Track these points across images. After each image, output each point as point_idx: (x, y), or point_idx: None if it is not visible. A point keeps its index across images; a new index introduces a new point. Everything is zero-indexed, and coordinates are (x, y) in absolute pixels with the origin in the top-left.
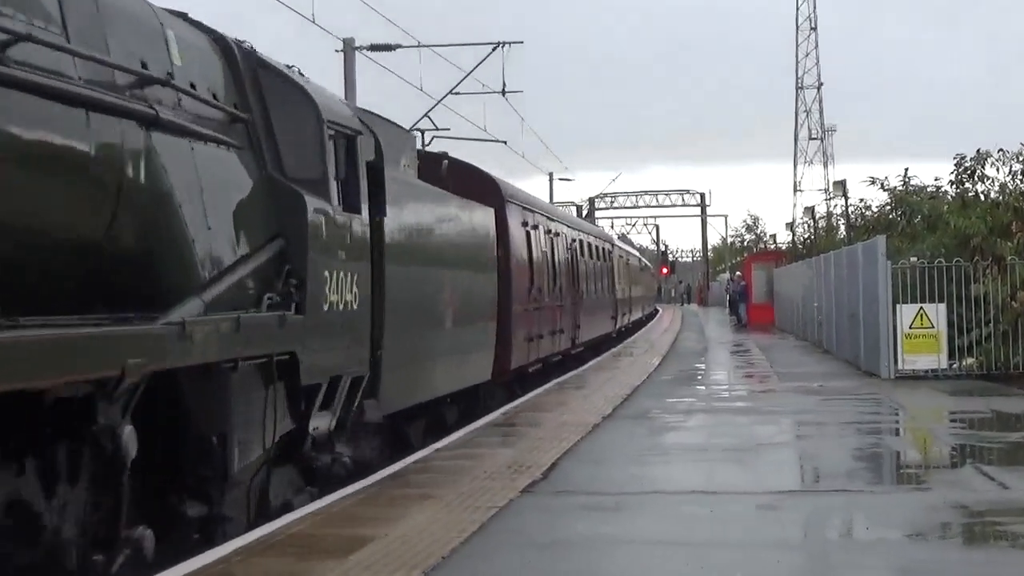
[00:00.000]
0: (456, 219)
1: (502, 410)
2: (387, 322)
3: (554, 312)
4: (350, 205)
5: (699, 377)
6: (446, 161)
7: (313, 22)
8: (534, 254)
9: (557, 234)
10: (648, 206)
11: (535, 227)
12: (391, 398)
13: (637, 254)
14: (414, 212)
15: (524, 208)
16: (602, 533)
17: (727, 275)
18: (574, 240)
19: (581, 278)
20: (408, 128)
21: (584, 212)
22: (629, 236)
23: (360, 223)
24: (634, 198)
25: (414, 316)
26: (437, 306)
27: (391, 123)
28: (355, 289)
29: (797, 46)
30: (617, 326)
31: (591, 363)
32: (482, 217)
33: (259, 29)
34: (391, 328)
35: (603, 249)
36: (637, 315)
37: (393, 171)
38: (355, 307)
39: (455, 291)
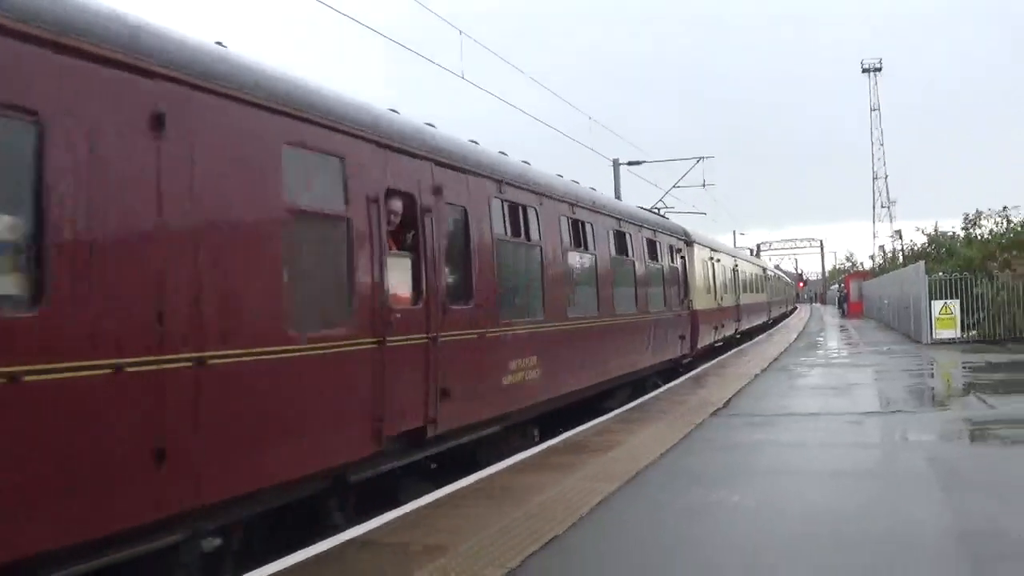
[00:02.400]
0: None
1: (699, 369)
2: None
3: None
4: None
5: (818, 343)
6: None
7: (591, 149)
8: None
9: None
10: (792, 247)
11: None
12: None
13: (755, 261)
14: None
15: None
16: (757, 439)
17: (836, 286)
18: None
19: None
20: (649, 207)
21: (754, 253)
22: (780, 265)
23: None
24: (783, 243)
25: None
26: None
27: None
28: None
29: (873, 157)
30: (696, 348)
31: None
32: None
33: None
34: None
35: (633, 233)
36: (752, 323)
37: None
38: None
39: None
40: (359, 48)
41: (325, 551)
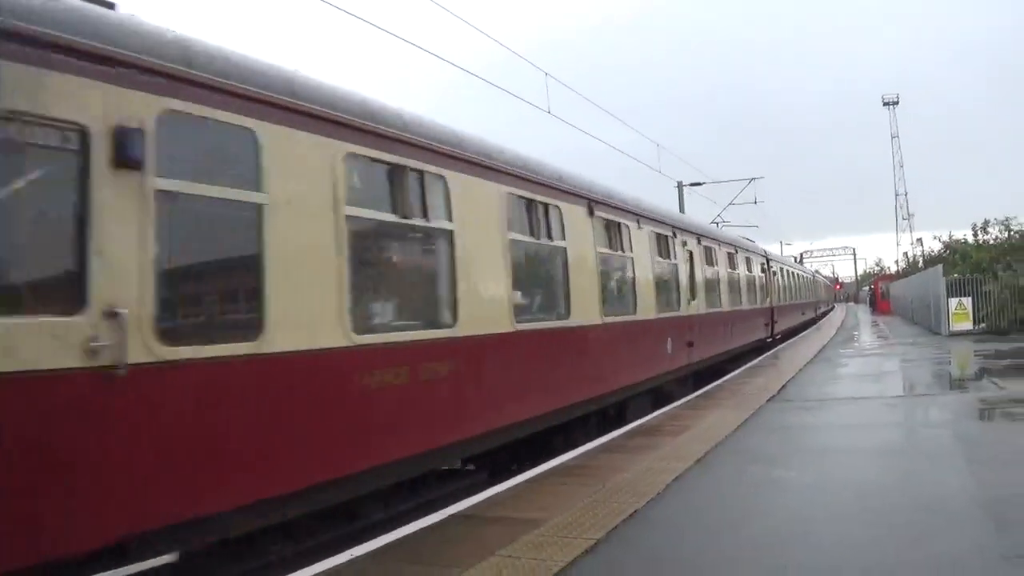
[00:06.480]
0: None
1: (755, 361)
2: None
3: None
4: None
5: (854, 337)
6: None
7: (660, 172)
8: None
9: None
10: (829, 255)
11: None
12: None
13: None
14: None
15: None
16: (806, 421)
17: (867, 287)
18: None
19: None
20: (710, 221)
21: (799, 260)
22: (819, 271)
23: None
24: (821, 251)
25: None
26: None
27: None
28: None
29: (894, 177)
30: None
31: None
32: None
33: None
34: None
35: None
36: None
37: None
38: None
39: None
40: (458, 87)
41: (430, 524)
